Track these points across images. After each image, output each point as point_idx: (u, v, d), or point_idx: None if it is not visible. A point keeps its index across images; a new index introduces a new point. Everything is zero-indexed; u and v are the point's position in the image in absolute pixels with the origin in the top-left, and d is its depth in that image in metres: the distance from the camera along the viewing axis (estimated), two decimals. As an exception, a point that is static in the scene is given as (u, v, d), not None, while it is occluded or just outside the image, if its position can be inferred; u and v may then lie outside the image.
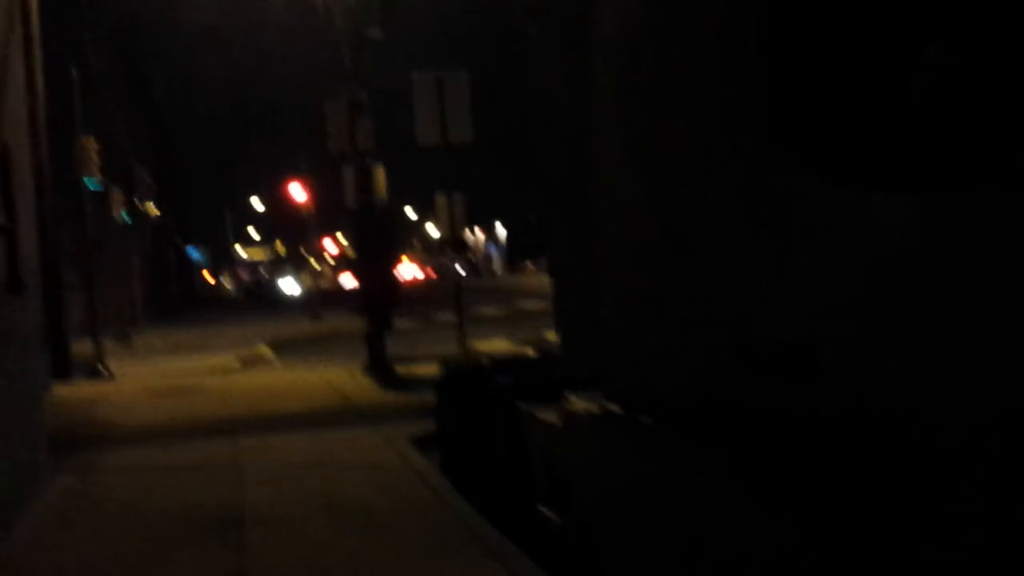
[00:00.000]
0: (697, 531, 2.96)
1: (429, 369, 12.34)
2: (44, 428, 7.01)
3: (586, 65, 3.44)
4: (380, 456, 7.36)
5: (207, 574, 4.71)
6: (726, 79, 2.58)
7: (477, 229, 61.40)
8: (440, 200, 12.56)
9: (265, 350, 19.62)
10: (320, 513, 5.67)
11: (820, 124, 1.99)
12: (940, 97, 1.84)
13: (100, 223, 22.10)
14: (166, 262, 40.03)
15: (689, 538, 3.02)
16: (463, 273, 15.59)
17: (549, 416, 4.28)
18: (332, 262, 70.41)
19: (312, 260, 39.36)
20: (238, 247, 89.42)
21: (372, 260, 14.21)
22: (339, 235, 64.68)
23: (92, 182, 15.74)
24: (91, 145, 15.53)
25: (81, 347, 15.83)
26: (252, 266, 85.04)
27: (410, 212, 72.03)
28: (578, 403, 3.90)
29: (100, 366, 14.98)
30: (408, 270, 68.67)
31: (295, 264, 54.60)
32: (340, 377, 12.96)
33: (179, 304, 41.13)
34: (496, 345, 17.26)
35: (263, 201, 73.47)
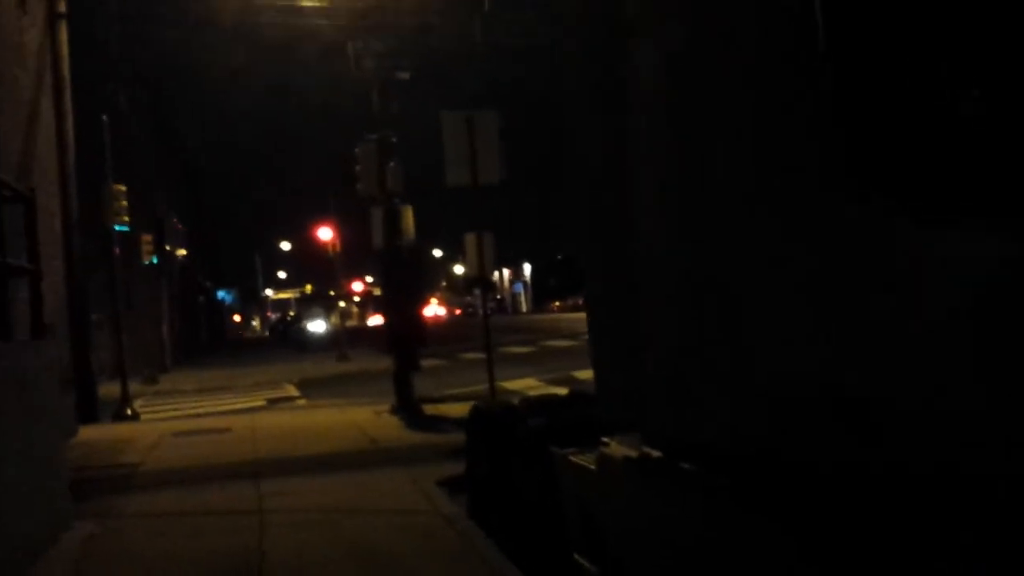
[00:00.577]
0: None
1: (457, 409, 12.22)
2: (65, 473, 6.90)
3: (623, 110, 3.30)
4: (407, 500, 7.19)
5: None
6: (777, 123, 2.43)
7: (504, 269, 61.48)
8: (470, 239, 12.36)
9: (292, 390, 19.58)
10: (345, 560, 5.51)
11: (904, 155, 1.85)
12: None
13: (129, 267, 22.28)
14: (195, 304, 40.29)
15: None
16: (490, 311, 15.44)
17: (584, 460, 4.11)
18: (358, 300, 70.73)
19: (340, 301, 39.53)
20: (268, 290, 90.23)
21: (400, 301, 14.11)
22: (367, 276, 65.09)
23: (121, 227, 15.84)
24: (120, 191, 15.64)
25: (109, 389, 15.84)
26: (281, 307, 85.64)
27: (437, 252, 72.36)
28: (615, 447, 3.71)
29: (127, 408, 14.96)
30: (431, 308, 68.89)
31: (323, 305, 54.82)
32: (367, 417, 12.82)
33: (207, 345, 41.32)
34: (525, 383, 17.09)
35: (292, 244, 74.18)
